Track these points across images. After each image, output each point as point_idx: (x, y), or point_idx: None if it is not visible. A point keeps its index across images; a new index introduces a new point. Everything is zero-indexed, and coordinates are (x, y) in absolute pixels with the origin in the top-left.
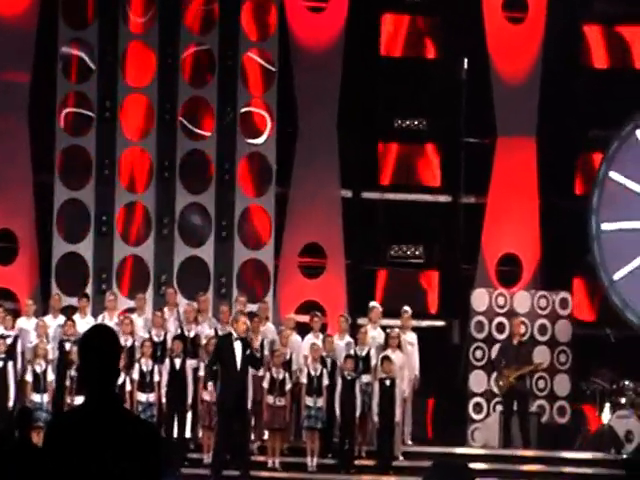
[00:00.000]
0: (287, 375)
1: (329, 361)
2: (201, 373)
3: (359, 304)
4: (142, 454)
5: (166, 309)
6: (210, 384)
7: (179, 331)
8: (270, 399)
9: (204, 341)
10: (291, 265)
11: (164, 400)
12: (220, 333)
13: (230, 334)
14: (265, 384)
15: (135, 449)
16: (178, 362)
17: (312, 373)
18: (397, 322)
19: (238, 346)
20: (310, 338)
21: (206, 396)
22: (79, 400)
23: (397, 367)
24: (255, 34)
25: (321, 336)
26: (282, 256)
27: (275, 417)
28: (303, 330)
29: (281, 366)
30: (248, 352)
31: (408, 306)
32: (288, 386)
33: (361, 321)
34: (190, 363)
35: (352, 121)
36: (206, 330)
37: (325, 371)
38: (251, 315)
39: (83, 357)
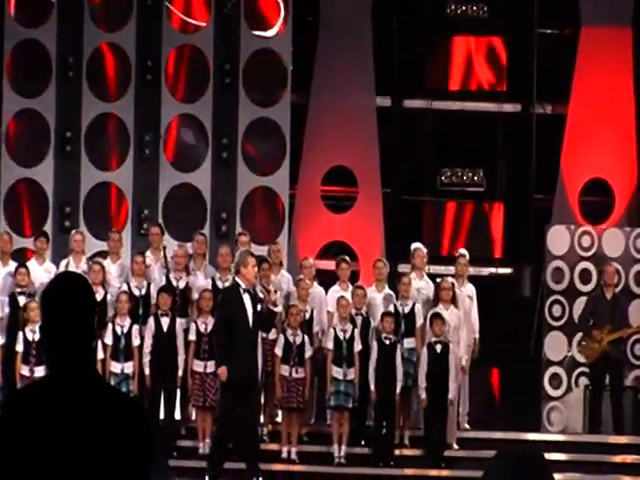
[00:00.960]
0: (307, 339)
1: (360, 320)
2: (192, 337)
3: (400, 246)
4: (129, 441)
5: (149, 253)
6: (223, 368)
7: (165, 281)
8: (285, 370)
9: (196, 295)
10: (312, 196)
11: (147, 371)
12: (221, 285)
13: (237, 285)
14: (278, 350)
15: (120, 436)
16: (165, 322)
17: (340, 336)
18: (450, 269)
19: (248, 300)
20: (337, 290)
21: (198, 367)
22: (40, 372)
23: (451, 328)
24: None
25: (351, 288)
26: (300, 184)
27: (291, 393)
28: (327, 280)
29: (299, 327)
30: (260, 308)
31: (464, 249)
32: (308, 353)
33: (403, 268)
34: (181, 323)
35: (391, 7)
36: (200, 281)
37: (357, 333)
38: (260, 261)
39: (47, 314)
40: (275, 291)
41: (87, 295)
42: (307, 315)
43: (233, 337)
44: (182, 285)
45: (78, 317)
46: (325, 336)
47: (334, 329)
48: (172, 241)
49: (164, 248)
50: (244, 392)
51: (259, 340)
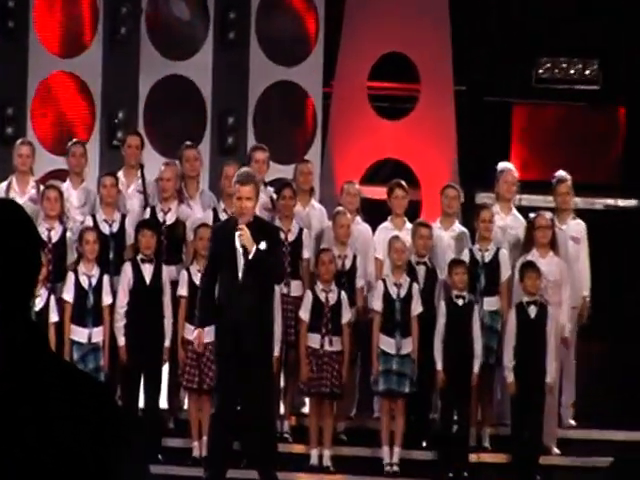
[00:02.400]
0: (344, 297)
1: (423, 271)
2: (183, 292)
3: (479, 167)
4: (88, 436)
5: (122, 174)
6: (207, 329)
7: (148, 213)
8: (314, 340)
9: (191, 235)
10: (355, 95)
11: (121, 341)
12: (222, 217)
13: (233, 220)
14: (304, 313)
15: (75, 429)
16: (147, 271)
17: (392, 293)
18: (549, 201)
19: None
20: (388, 228)
21: (191, 335)
22: None
23: (549, 283)
24: None
25: (409, 225)
26: (338, 78)
27: (323, 374)
28: (376, 214)
29: (334, 280)
30: (256, 250)
31: (566, 171)
32: (347, 317)
33: (482, 198)
34: (169, 272)
35: None
36: (196, 213)
37: (416, 289)
38: (278, 187)
39: None
40: (258, 242)
41: (21, 231)
42: (347, 263)
43: (222, 290)
44: (170, 219)
45: (10, 265)
46: (371, 293)
47: (384, 283)
48: (156, 157)
49: (141, 167)
50: (245, 370)
51: (274, 297)
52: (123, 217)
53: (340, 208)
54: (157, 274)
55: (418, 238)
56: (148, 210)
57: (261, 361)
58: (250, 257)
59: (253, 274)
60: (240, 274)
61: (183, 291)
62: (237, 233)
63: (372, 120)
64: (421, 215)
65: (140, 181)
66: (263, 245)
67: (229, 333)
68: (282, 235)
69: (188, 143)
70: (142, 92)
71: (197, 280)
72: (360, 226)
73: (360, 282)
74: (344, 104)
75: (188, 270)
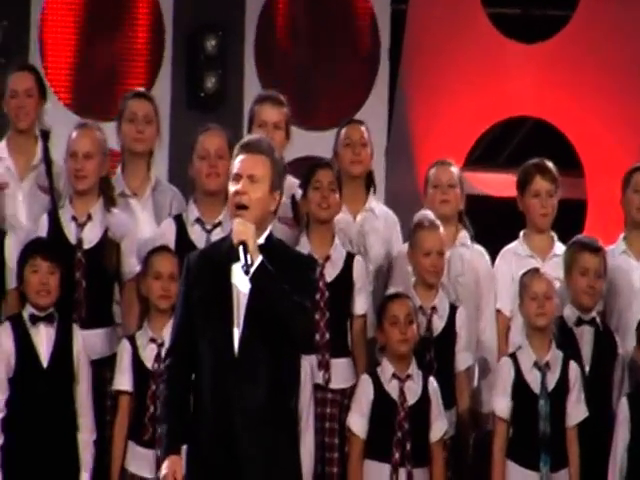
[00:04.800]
0: (436, 389)
1: (589, 334)
2: (124, 383)
3: None
4: None
5: (4, 148)
6: (166, 464)
7: (45, 225)
8: (379, 474)
9: (135, 268)
10: None
11: None
12: (202, 236)
13: (225, 244)
14: (357, 422)
15: None
16: (44, 340)
17: (534, 383)
18: None
19: (241, 277)
20: (520, 255)
21: (141, 468)
22: None
23: None
24: None
25: (558, 248)
26: None
27: None
28: (498, 228)
29: (414, 357)
30: (260, 265)
31: None
32: (440, 429)
33: None
34: (90, 342)
35: None
36: (147, 224)
37: (577, 372)
38: (306, 174)
39: None
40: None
41: None
42: (438, 323)
43: (202, 379)
44: (91, 238)
45: None
46: (487, 380)
47: (513, 362)
48: (69, 116)
49: (43, 136)
50: None
51: (304, 381)
52: (0, 235)
53: (426, 214)
54: (64, 347)
55: (579, 274)
56: (45, 220)
57: None
58: (250, 273)
59: (260, 334)
60: (237, 342)
61: (123, 381)
62: (234, 229)
63: (492, 41)
64: (586, 227)
65: (41, 165)
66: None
67: (213, 465)
68: (317, 269)
69: (138, 89)
70: None
71: (149, 361)
72: (466, 251)
73: (465, 359)
74: (434, 8)
75: (132, 340)
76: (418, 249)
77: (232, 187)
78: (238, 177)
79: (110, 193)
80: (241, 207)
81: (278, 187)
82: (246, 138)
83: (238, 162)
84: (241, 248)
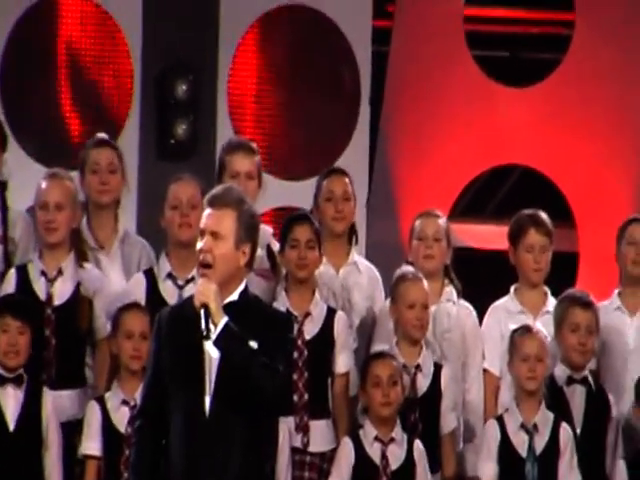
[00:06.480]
0: (422, 452)
1: (581, 394)
2: (93, 448)
3: None
4: None
5: None
6: None
7: (13, 283)
8: None
9: (106, 328)
10: (444, 26)
11: None
12: (174, 293)
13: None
14: None
15: None
16: (12, 402)
17: (520, 446)
18: None
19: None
20: (510, 311)
21: None
22: None
23: None
24: None
25: (551, 304)
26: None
27: None
28: (486, 283)
29: (398, 418)
30: (224, 327)
31: None
32: None
33: None
34: (59, 405)
35: None
36: (116, 278)
37: (569, 435)
38: (285, 226)
39: None
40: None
41: None
42: (423, 383)
43: (172, 443)
44: (61, 295)
45: None
46: (473, 444)
47: (499, 425)
48: (31, 165)
49: (1, 185)
50: None
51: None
52: None
53: (408, 269)
54: (32, 410)
55: (570, 331)
56: (13, 274)
57: None
58: (212, 338)
59: (232, 399)
60: (207, 407)
61: (92, 446)
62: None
63: (479, 85)
64: (578, 281)
65: None
66: (254, 345)
67: None
68: (294, 326)
69: (99, 136)
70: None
71: (121, 425)
72: (453, 307)
73: (450, 421)
74: (417, 49)
75: (101, 402)
76: (401, 302)
77: (198, 244)
78: (202, 233)
79: (82, 247)
80: (205, 265)
81: (247, 240)
82: (213, 190)
83: (204, 217)
84: (202, 311)
